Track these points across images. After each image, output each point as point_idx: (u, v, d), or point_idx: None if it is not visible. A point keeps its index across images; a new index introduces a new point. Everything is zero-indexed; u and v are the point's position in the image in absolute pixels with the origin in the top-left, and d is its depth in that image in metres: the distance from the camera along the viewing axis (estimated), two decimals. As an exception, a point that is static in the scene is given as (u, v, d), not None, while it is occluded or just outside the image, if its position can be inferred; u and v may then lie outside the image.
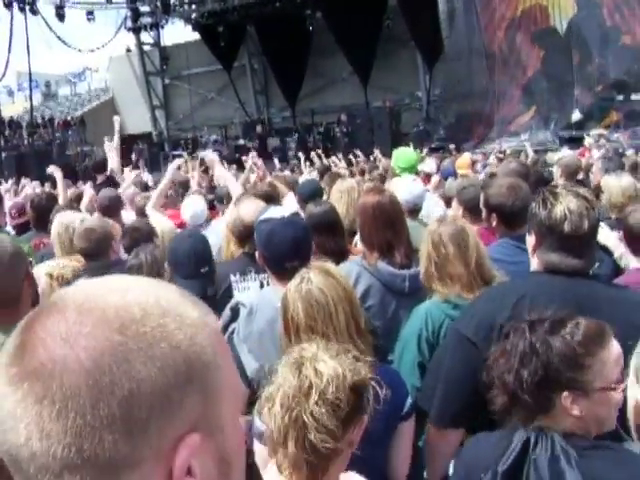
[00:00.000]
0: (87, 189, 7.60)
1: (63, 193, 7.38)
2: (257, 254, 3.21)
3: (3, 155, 25.10)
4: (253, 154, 8.86)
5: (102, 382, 0.71)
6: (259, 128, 30.35)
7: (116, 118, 9.72)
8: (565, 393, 1.86)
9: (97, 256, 4.12)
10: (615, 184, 4.96)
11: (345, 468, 1.91)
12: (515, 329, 2.00)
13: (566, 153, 8.55)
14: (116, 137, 9.19)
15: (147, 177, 12.64)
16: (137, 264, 3.67)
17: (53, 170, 7.79)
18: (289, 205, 5.88)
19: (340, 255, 4.01)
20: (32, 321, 0.76)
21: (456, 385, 2.63)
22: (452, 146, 14.77)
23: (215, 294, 4.00)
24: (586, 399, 1.86)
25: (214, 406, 0.79)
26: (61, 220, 4.80)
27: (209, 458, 0.79)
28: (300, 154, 14.84)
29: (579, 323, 1.95)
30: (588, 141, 12.60)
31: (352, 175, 9.85)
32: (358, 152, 14.48)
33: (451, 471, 3.03)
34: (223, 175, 6.16)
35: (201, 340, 0.79)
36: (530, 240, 2.63)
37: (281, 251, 3.02)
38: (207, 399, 0.78)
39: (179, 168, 6.55)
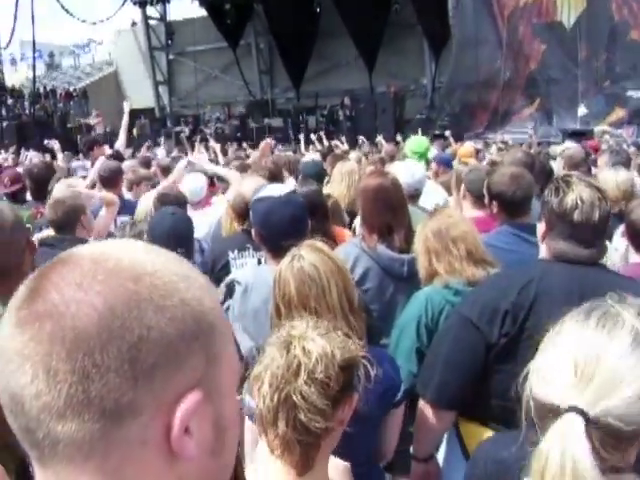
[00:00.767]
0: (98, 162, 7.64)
1: (62, 164, 7.38)
2: (253, 232, 3.17)
3: (4, 124, 24.95)
4: (268, 140, 9.15)
5: (114, 326, 0.72)
6: (241, 108, 30.39)
7: (126, 102, 10.23)
8: None
9: (63, 229, 4.10)
10: (612, 177, 4.95)
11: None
12: None
13: (570, 145, 8.47)
14: (125, 118, 9.69)
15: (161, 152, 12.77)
16: (120, 237, 3.65)
17: (52, 143, 7.85)
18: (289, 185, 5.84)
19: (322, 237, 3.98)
20: (46, 270, 0.78)
21: (457, 367, 2.62)
22: (447, 133, 14.53)
23: (212, 269, 3.99)
24: None
25: (215, 370, 0.80)
26: (57, 189, 4.79)
27: (207, 421, 0.79)
28: (300, 136, 14.94)
29: None
30: (598, 134, 12.44)
31: (366, 157, 9.83)
32: (363, 138, 14.45)
33: (441, 455, 3.02)
34: (212, 169, 6.20)
35: (208, 303, 0.81)
36: (540, 227, 2.62)
37: (279, 230, 2.98)
38: (210, 361, 0.79)
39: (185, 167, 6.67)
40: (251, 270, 3.46)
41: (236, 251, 4.01)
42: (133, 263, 0.77)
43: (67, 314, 0.72)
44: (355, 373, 1.81)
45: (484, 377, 2.56)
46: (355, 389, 1.82)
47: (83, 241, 4.09)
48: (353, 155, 10.08)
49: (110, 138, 10.43)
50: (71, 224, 4.09)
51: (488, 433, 2.61)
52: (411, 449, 2.86)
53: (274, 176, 5.75)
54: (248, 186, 4.09)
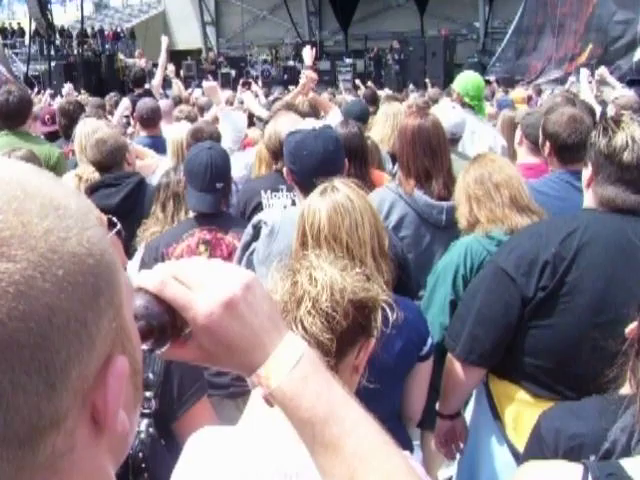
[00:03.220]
0: (124, 100, 7.57)
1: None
2: (285, 170, 2.98)
3: (52, 64, 25.04)
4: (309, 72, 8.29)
5: (3, 335, 0.50)
6: (288, 50, 29.81)
7: (164, 38, 9.82)
8: None
9: (109, 168, 4.06)
10: None
11: None
12: None
13: (624, 92, 8.03)
14: (163, 55, 9.37)
15: (198, 93, 12.58)
16: (165, 183, 3.54)
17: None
18: (333, 119, 5.56)
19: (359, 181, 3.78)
20: None
21: (489, 321, 2.45)
22: (492, 78, 14.01)
23: (243, 210, 3.86)
24: None
25: (122, 314, 0.62)
26: (82, 128, 4.71)
27: (126, 379, 0.62)
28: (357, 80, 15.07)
29: None
30: None
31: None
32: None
33: (468, 414, 2.87)
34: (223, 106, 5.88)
35: (94, 237, 0.58)
36: (586, 173, 2.40)
37: (312, 164, 2.75)
38: (117, 311, 0.61)
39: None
40: (279, 211, 3.29)
41: (269, 192, 3.85)
42: None
43: None
44: (372, 316, 1.61)
45: (518, 333, 2.39)
46: (371, 333, 1.61)
47: (136, 174, 4.09)
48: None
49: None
50: (116, 162, 4.07)
51: (519, 393, 2.47)
52: (437, 405, 2.71)
53: (311, 116, 5.52)
54: (283, 123, 3.89)
